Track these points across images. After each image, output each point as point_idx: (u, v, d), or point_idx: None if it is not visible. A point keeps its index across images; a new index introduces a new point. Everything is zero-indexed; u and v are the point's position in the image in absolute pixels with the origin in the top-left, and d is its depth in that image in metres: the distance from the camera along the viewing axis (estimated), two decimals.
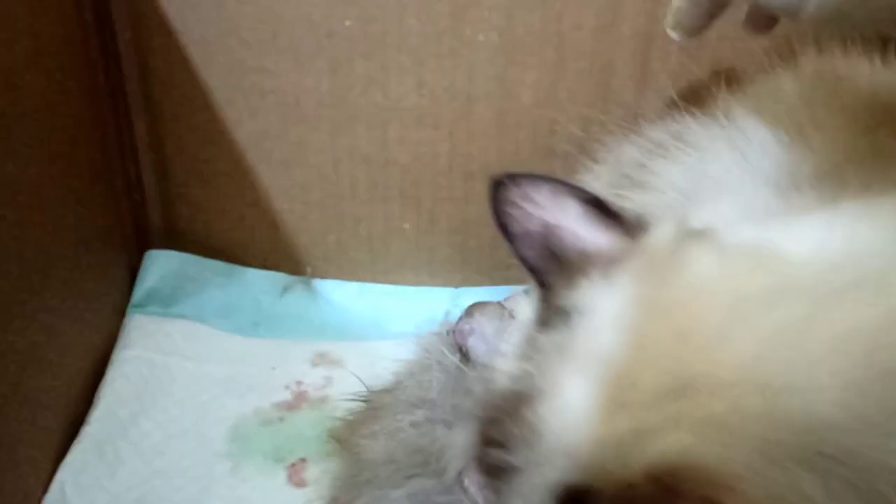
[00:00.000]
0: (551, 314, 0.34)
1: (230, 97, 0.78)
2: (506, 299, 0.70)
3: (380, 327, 0.84)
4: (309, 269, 0.87)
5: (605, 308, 0.32)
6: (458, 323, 0.68)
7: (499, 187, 0.38)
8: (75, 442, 0.68)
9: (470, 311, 0.69)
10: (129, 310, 0.81)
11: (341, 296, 0.87)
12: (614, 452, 0.28)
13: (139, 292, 0.82)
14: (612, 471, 0.28)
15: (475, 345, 0.66)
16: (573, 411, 0.30)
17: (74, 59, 0.71)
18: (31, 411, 0.64)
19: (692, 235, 0.34)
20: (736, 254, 0.32)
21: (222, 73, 0.76)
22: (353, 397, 0.71)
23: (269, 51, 0.75)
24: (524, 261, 0.38)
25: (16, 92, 0.60)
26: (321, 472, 0.68)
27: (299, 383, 0.77)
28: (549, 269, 0.37)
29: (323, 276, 0.88)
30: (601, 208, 0.37)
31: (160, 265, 0.83)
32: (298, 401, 0.76)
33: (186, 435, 0.71)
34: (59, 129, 0.68)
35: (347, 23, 0.73)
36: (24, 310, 0.63)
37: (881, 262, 0.31)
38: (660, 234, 0.35)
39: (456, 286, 0.87)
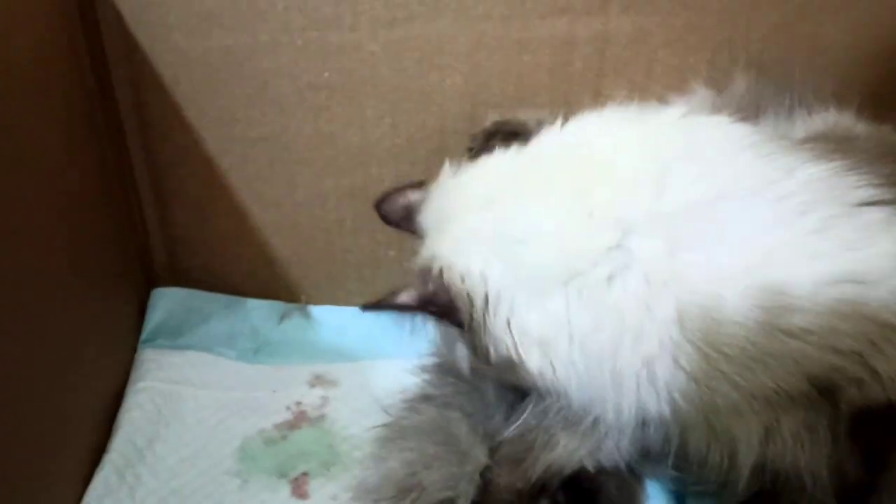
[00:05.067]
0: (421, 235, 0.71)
1: (223, 146, 0.85)
2: None
3: (372, 348, 0.89)
4: (303, 297, 0.94)
5: (425, 221, 0.70)
6: None
7: (377, 204, 0.75)
8: (98, 468, 0.75)
9: None
10: (140, 344, 0.87)
11: (336, 320, 0.94)
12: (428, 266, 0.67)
13: (148, 327, 0.88)
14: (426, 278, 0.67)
15: None
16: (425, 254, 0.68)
17: (80, 117, 0.78)
18: (57, 443, 0.71)
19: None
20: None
21: (215, 124, 0.83)
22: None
23: (256, 102, 0.82)
24: (405, 227, 0.74)
25: (26, 149, 0.66)
26: (321, 484, 0.75)
27: (298, 404, 0.84)
28: (414, 221, 0.72)
29: (317, 303, 0.95)
30: (414, 184, 0.73)
31: (166, 301, 0.90)
32: (298, 420, 0.82)
33: (198, 456, 0.78)
34: (67, 183, 0.74)
35: (326, 74, 0.80)
36: (48, 350, 0.69)
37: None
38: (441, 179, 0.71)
39: None
